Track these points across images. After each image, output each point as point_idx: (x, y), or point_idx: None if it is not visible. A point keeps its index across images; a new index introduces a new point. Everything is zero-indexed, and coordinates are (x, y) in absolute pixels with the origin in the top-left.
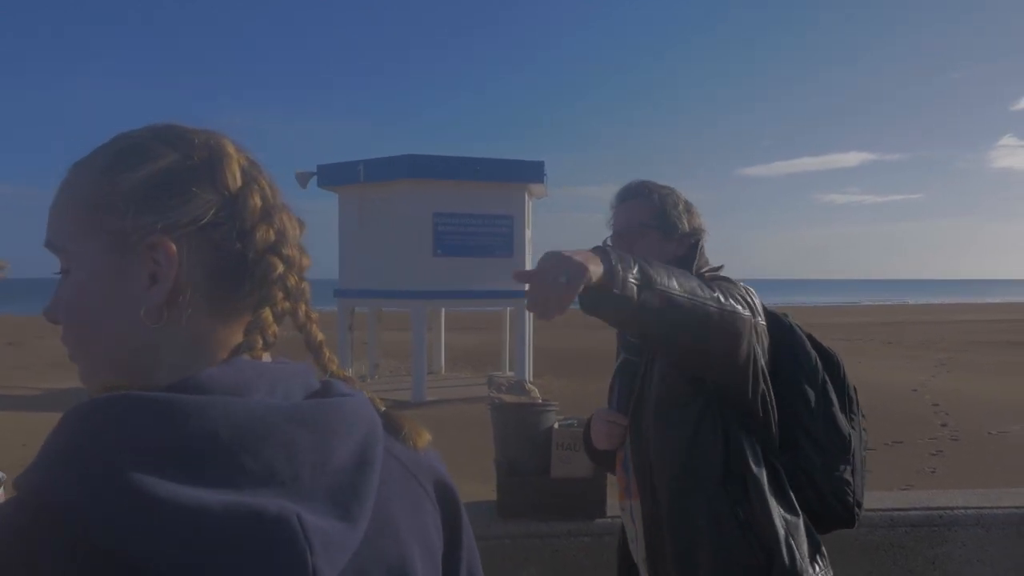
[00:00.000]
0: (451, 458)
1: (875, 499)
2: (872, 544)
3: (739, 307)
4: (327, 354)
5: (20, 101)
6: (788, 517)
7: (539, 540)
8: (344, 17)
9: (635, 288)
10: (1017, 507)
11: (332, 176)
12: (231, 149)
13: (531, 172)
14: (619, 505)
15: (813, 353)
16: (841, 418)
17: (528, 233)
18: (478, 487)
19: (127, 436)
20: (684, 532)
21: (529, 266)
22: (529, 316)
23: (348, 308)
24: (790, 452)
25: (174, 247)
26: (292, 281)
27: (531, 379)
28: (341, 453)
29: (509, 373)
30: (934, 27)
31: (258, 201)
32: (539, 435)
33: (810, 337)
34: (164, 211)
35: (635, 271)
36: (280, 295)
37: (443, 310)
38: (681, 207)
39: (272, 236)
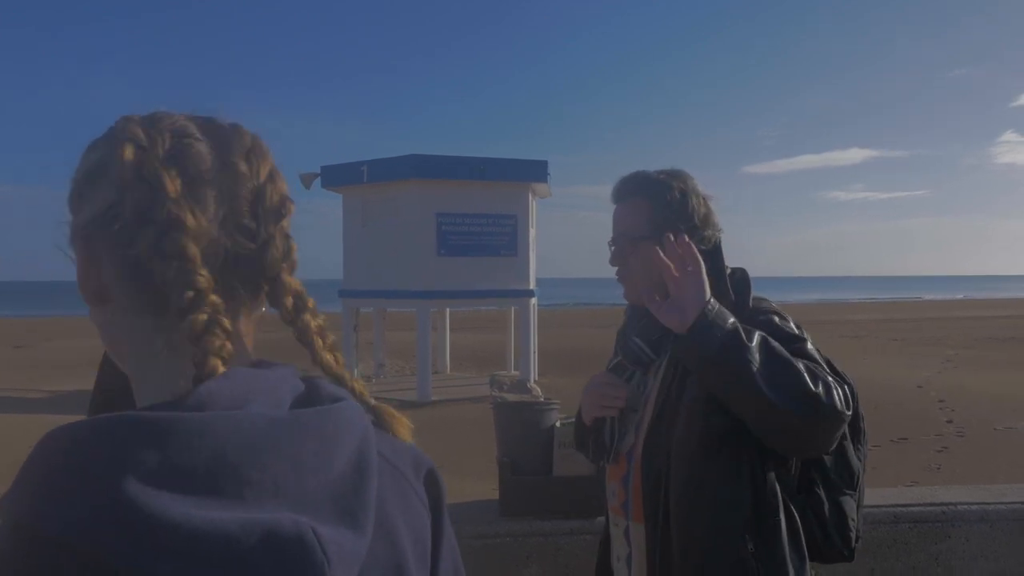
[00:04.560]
0: (455, 457)
1: (878, 495)
2: (875, 540)
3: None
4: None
5: (20, 101)
6: (798, 564)
7: (542, 538)
8: (349, 18)
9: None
10: (1022, 502)
11: (336, 177)
12: (139, 132)
13: (535, 171)
14: (610, 519)
15: None
16: (852, 453)
17: (532, 232)
18: (481, 486)
19: (130, 460)
20: (702, 573)
21: (533, 266)
22: (534, 315)
23: (353, 308)
24: (805, 492)
25: (84, 252)
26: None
27: (536, 378)
28: (340, 459)
29: (514, 372)
30: (932, 26)
31: (129, 172)
32: (541, 434)
33: (828, 362)
34: (77, 212)
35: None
36: (191, 292)
37: (448, 310)
38: (690, 202)
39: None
